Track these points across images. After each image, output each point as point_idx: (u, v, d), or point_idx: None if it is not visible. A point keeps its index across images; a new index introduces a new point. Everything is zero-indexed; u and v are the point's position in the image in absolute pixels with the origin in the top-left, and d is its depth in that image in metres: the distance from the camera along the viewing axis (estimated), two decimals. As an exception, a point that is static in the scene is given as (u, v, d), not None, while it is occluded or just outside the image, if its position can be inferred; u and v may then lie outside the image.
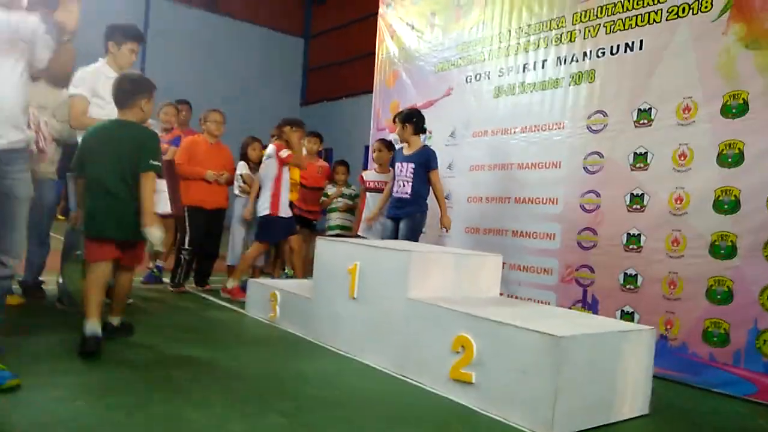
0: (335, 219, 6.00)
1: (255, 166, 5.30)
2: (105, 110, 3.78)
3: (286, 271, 5.98)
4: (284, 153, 4.76)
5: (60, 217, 4.51)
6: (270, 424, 2.15)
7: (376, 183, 5.21)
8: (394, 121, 4.68)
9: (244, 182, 5.30)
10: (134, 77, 3.23)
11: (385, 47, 5.95)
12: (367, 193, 5.24)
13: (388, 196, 4.79)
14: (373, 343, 3.13)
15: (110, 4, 14.36)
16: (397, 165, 4.58)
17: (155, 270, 5.31)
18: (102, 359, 2.76)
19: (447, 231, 4.53)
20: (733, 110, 3.18)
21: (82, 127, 3.74)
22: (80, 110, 3.72)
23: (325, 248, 3.64)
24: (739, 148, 3.14)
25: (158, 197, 3.86)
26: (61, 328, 3.25)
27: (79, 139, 3.73)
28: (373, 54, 6.22)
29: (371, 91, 6.20)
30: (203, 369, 2.76)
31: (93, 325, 2.81)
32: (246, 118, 12.54)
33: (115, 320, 3.18)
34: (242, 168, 5.35)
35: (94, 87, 3.72)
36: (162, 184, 4.00)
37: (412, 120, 4.54)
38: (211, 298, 4.80)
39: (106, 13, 13.98)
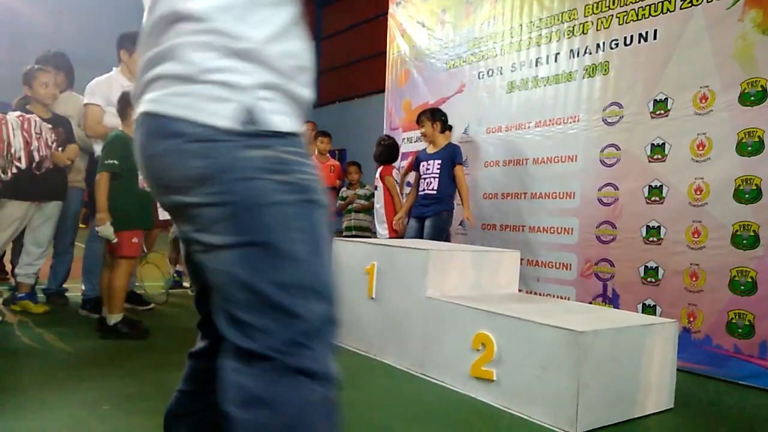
0: (351, 220, 6.02)
1: None
2: (120, 118, 3.83)
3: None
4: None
5: (81, 225, 4.58)
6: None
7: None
8: (418, 121, 4.64)
9: None
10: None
11: (396, 46, 5.94)
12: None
13: (413, 199, 4.77)
14: (392, 342, 3.13)
15: (120, 13, 14.60)
16: (423, 164, 4.59)
17: (175, 275, 5.37)
18: (125, 365, 2.79)
19: (471, 226, 4.50)
20: (752, 98, 3.13)
21: (97, 136, 3.80)
22: (95, 119, 3.78)
23: (342, 249, 3.65)
24: (759, 136, 3.09)
25: None
26: (86, 335, 3.30)
27: (97, 149, 3.80)
28: (384, 53, 6.22)
29: (383, 91, 6.20)
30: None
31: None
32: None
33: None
34: None
35: (109, 96, 3.77)
36: None
37: (441, 118, 4.57)
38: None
39: (116, 23, 14.25)
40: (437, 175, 4.44)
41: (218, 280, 0.96)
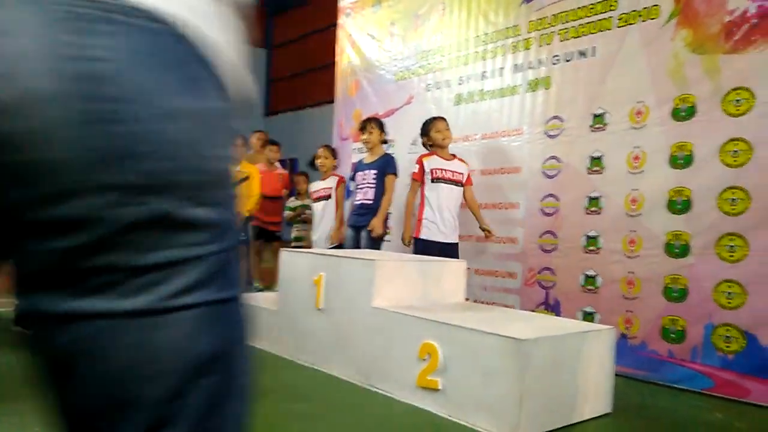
0: (298, 231, 6.03)
1: None
2: None
3: (255, 284, 5.93)
4: None
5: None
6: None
7: (321, 191, 5.18)
8: (362, 128, 4.63)
9: None
10: None
11: (346, 57, 5.97)
12: (314, 204, 5.18)
13: (348, 208, 4.77)
14: (339, 353, 3.12)
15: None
16: (359, 174, 4.59)
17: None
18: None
19: (375, 236, 4.37)
20: (683, 113, 3.29)
21: None
22: None
23: (290, 259, 3.61)
24: (689, 150, 3.25)
25: None
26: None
27: None
28: (335, 64, 6.23)
29: (334, 101, 6.21)
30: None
31: None
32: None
33: None
34: None
35: None
36: None
37: (383, 128, 4.61)
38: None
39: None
40: (373, 185, 4.45)
41: None
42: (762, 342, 2.91)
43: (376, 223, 4.33)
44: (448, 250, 4.03)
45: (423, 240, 4.06)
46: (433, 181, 4.06)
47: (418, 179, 4.12)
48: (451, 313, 2.85)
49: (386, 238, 4.57)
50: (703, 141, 3.19)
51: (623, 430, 2.53)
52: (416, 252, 4.08)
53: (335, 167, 5.17)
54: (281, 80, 18.50)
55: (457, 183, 4.10)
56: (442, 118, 4.18)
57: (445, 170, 4.08)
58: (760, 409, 2.85)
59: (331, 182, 5.07)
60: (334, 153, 5.22)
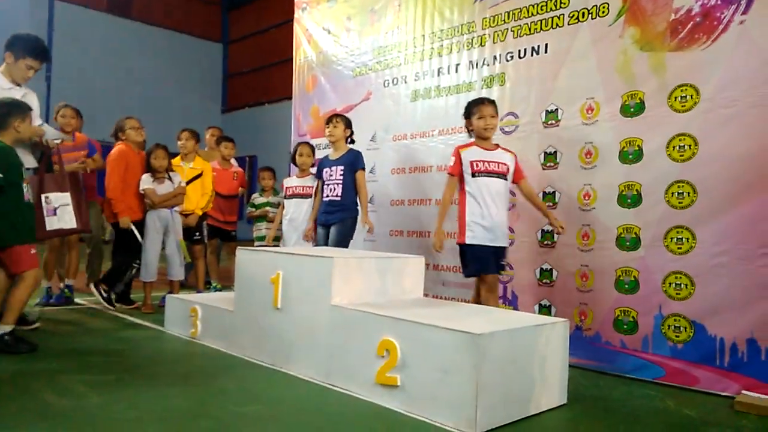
0: (263, 229, 5.90)
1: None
2: None
3: (213, 284, 5.83)
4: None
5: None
6: (188, 446, 2.07)
7: (299, 189, 5.03)
8: (329, 121, 4.57)
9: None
10: (7, 100, 3.43)
11: (303, 51, 5.91)
12: (287, 201, 5.05)
13: (318, 206, 4.70)
14: (298, 352, 3.08)
15: (11, 4, 13.52)
16: (326, 171, 4.55)
17: (66, 290, 5.02)
18: (5, 391, 2.56)
19: (370, 232, 4.53)
20: (632, 109, 3.37)
21: None
22: None
23: (247, 258, 3.55)
24: (638, 145, 3.33)
25: (62, 211, 3.67)
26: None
27: None
28: (293, 59, 6.15)
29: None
30: (115, 395, 2.62)
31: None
32: (165, 127, 12.10)
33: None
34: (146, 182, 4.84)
35: None
36: (65, 198, 3.75)
37: (351, 128, 4.59)
38: (127, 317, 4.58)
39: (5, 14, 13.17)
40: (340, 182, 4.43)
41: None
42: (709, 331, 3.02)
43: (368, 222, 4.40)
44: (500, 256, 3.60)
45: (471, 246, 3.51)
46: (473, 176, 3.53)
47: (455, 174, 3.59)
48: (410, 309, 2.86)
49: (372, 236, 4.62)
50: (651, 136, 3.28)
51: (578, 420, 2.58)
52: (465, 262, 3.59)
53: (313, 165, 5.04)
54: (238, 75, 18.22)
55: (501, 175, 3.54)
56: (491, 102, 3.61)
57: (487, 162, 3.54)
58: (709, 396, 2.95)
59: (311, 181, 4.89)
60: (313, 150, 5.06)
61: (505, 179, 3.57)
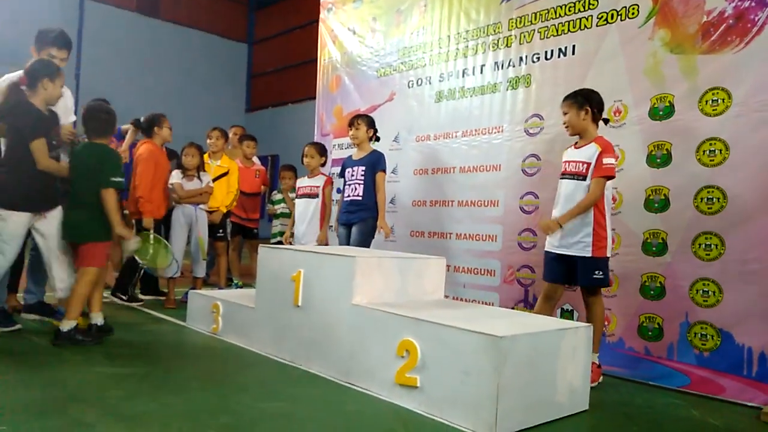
0: (278, 226, 5.97)
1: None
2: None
3: (235, 281, 5.87)
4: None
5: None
6: (208, 440, 2.08)
7: (306, 188, 4.99)
8: (351, 124, 4.57)
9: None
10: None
11: (327, 52, 5.93)
12: (297, 200, 5.03)
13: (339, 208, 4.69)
14: (318, 350, 3.09)
15: (41, 4, 13.79)
16: (348, 170, 4.56)
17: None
18: (30, 380, 2.61)
19: (386, 237, 4.49)
20: (661, 112, 3.31)
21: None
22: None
23: (268, 256, 3.57)
24: (667, 149, 3.27)
25: None
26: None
27: None
28: (316, 59, 6.18)
29: (316, 97, 6.15)
30: (138, 387, 2.65)
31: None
32: (190, 126, 12.26)
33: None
34: (175, 177, 4.96)
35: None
36: None
37: (375, 128, 4.57)
38: (151, 311, 4.64)
39: (36, 13, 13.46)
40: (362, 182, 4.43)
41: None
42: (737, 340, 2.95)
43: (384, 226, 4.35)
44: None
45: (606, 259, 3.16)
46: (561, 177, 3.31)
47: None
48: (431, 311, 2.84)
49: (392, 237, 4.60)
50: (681, 140, 3.22)
51: (600, 427, 2.54)
52: (606, 272, 3.15)
53: (323, 165, 5.04)
54: (262, 76, 18.35)
55: (577, 176, 3.19)
56: (565, 99, 3.31)
57: (568, 162, 3.28)
58: (735, 406, 2.89)
59: (318, 181, 4.90)
60: (321, 151, 5.01)
61: (581, 180, 3.18)
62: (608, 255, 3.15)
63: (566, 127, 3.30)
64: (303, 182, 5.07)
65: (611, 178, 3.12)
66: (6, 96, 3.42)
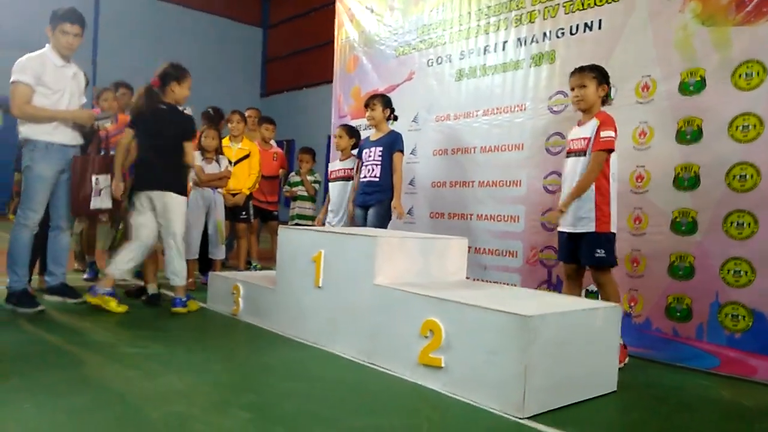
0: (296, 208, 5.97)
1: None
2: (50, 99, 3.59)
3: (254, 264, 5.87)
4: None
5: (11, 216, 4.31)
6: (233, 420, 2.06)
7: (340, 171, 4.95)
8: (366, 105, 4.49)
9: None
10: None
11: (345, 32, 5.84)
12: (331, 184, 4.97)
13: (356, 187, 4.64)
14: (340, 331, 3.06)
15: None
16: (365, 151, 4.49)
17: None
18: (52, 361, 2.62)
19: (399, 218, 4.42)
20: (691, 87, 3.21)
21: (25, 117, 3.55)
22: (23, 99, 3.53)
23: (289, 237, 3.54)
24: (697, 125, 3.17)
25: (105, 192, 3.74)
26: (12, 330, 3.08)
27: (22, 129, 3.55)
28: (332, 43, 6.10)
29: (332, 81, 6.07)
30: (161, 366, 2.64)
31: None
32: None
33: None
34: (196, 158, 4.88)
35: (40, 75, 3.54)
36: (108, 180, 3.81)
37: (392, 107, 4.49)
38: (171, 293, 4.65)
39: (56, 2, 13.52)
40: (379, 163, 4.36)
41: None
42: (769, 320, 2.87)
43: (398, 206, 4.27)
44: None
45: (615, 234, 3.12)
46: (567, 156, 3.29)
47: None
48: (454, 291, 2.80)
49: (411, 218, 4.53)
50: (712, 115, 3.12)
51: (629, 408, 2.48)
52: (612, 249, 3.08)
53: (354, 147, 4.89)
54: (278, 60, 18.28)
55: (579, 153, 3.16)
56: (573, 73, 3.27)
57: (573, 140, 3.25)
58: (767, 387, 2.82)
59: (351, 163, 4.81)
60: (351, 132, 4.88)
61: (581, 156, 3.17)
62: (613, 230, 3.07)
63: (579, 101, 3.19)
64: (335, 165, 5.00)
65: (611, 151, 3.05)
66: (143, 98, 3.78)
